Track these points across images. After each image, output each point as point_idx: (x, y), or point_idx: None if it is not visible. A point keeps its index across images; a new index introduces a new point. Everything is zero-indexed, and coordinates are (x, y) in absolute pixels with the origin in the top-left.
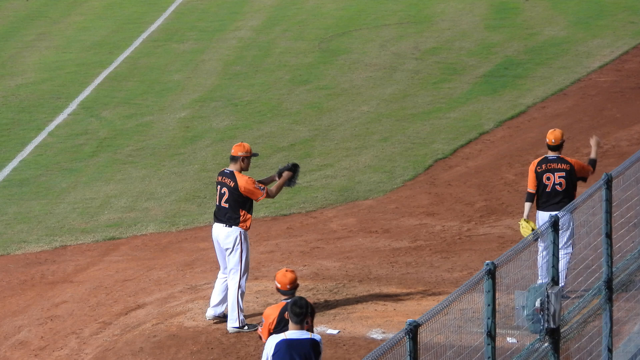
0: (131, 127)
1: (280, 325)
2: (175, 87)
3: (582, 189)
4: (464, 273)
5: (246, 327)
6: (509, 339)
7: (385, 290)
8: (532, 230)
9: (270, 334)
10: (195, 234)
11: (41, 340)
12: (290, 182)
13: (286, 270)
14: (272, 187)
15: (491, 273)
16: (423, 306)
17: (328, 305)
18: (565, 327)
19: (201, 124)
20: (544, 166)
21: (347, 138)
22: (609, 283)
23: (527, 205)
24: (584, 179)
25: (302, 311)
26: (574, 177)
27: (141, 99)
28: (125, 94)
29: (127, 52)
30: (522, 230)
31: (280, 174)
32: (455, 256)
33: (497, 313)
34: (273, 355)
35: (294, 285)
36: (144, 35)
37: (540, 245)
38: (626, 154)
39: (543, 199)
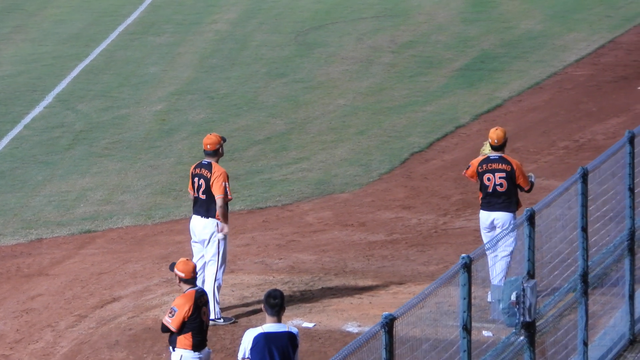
0: (107, 120)
1: (195, 314)
2: (151, 80)
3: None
4: (439, 266)
5: (221, 320)
6: (485, 333)
7: (361, 283)
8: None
9: (183, 322)
10: (171, 227)
11: (17, 333)
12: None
13: (186, 260)
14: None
15: (467, 266)
16: (399, 299)
17: (304, 299)
18: (541, 321)
19: (177, 117)
20: (484, 166)
21: (324, 131)
22: (584, 277)
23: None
24: (522, 189)
25: (277, 302)
26: (515, 179)
27: (117, 91)
28: (102, 87)
29: (103, 45)
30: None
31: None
32: (431, 249)
33: (472, 306)
34: (251, 349)
35: (195, 274)
36: (121, 28)
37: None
38: (602, 147)
39: (485, 199)
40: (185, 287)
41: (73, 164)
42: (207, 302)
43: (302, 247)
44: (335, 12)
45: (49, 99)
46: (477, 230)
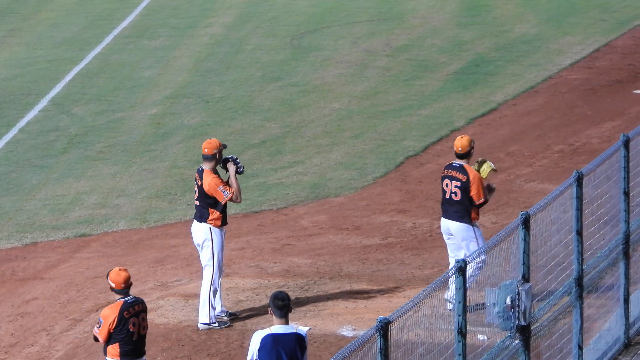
0: (102, 124)
1: (121, 325)
2: (146, 84)
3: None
4: (434, 270)
5: (216, 324)
6: (480, 336)
7: (356, 287)
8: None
9: (110, 334)
10: (166, 230)
11: (11, 337)
12: (237, 171)
13: (119, 269)
14: (232, 187)
15: (462, 270)
16: (394, 303)
17: (299, 303)
18: (536, 325)
19: (172, 120)
20: (446, 172)
21: (318, 135)
22: (579, 280)
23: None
24: (472, 202)
25: (284, 304)
26: (469, 190)
27: (112, 95)
28: (96, 91)
29: (98, 49)
30: (484, 171)
31: (224, 165)
32: (426, 253)
33: (467, 310)
34: (259, 350)
35: (127, 284)
36: (115, 32)
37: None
38: (597, 151)
39: (442, 205)
40: (116, 297)
41: (68, 168)
42: (139, 313)
43: (297, 250)
44: (330, 15)
45: (43, 102)
46: None
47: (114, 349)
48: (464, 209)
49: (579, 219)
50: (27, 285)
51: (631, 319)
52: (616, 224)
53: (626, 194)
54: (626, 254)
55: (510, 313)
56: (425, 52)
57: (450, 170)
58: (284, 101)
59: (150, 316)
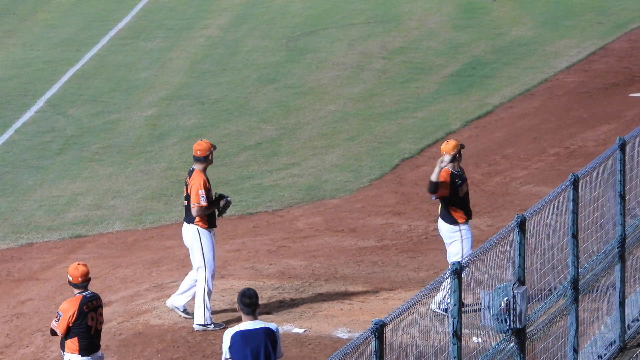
0: (98, 125)
1: (80, 319)
2: (142, 85)
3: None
4: (430, 272)
5: (212, 326)
6: (475, 339)
7: (352, 289)
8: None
9: (68, 327)
10: (161, 232)
11: (7, 337)
12: (221, 210)
13: (78, 264)
14: (207, 205)
15: (457, 273)
16: (389, 305)
17: (294, 304)
18: (531, 328)
19: (168, 122)
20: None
21: (314, 137)
22: (575, 283)
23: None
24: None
25: (252, 301)
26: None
27: (108, 96)
28: (93, 92)
29: (94, 50)
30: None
31: (217, 200)
32: (421, 255)
33: (463, 313)
34: (230, 347)
35: (86, 279)
36: (112, 33)
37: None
38: (593, 154)
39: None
40: (75, 291)
41: (64, 169)
42: (97, 307)
43: (292, 252)
44: (326, 18)
45: (39, 103)
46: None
47: (72, 343)
48: (443, 209)
49: (575, 222)
50: (22, 286)
51: (627, 322)
52: (612, 227)
53: (622, 197)
54: (622, 257)
55: (506, 316)
56: (421, 54)
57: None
58: (280, 103)
59: (145, 317)
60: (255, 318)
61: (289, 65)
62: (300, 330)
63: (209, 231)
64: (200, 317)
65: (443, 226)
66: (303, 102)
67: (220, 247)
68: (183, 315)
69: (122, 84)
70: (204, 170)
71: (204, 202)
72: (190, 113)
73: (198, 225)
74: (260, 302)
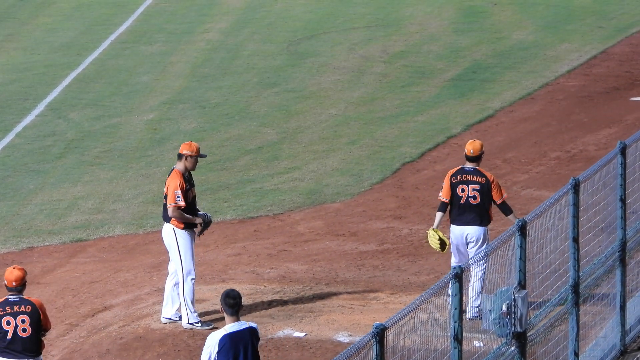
0: (99, 129)
1: None
2: (143, 89)
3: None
4: (430, 276)
5: (199, 324)
6: (476, 343)
7: (352, 293)
8: (440, 239)
9: None
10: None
11: None
12: (201, 230)
13: (14, 268)
14: (187, 215)
15: (458, 277)
16: (390, 309)
17: (295, 308)
18: (532, 331)
19: (169, 126)
20: (459, 177)
21: (315, 141)
22: (575, 287)
23: (439, 215)
24: (496, 203)
25: (235, 302)
26: (489, 192)
27: (109, 100)
28: (93, 96)
29: (95, 54)
30: (430, 240)
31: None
32: (422, 260)
33: (463, 317)
34: (218, 352)
35: (20, 283)
36: (112, 37)
37: (455, 262)
38: (594, 158)
39: (456, 211)
40: (8, 294)
41: (64, 173)
42: (18, 314)
43: (293, 256)
44: (327, 22)
45: (40, 107)
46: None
47: None
48: (483, 212)
49: (576, 226)
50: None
51: (627, 326)
52: (612, 231)
53: (623, 201)
54: (622, 261)
55: (507, 320)
56: (422, 58)
57: (464, 175)
58: (281, 107)
59: (146, 321)
60: (238, 319)
61: (289, 69)
62: (301, 334)
63: (187, 232)
64: (185, 317)
65: (478, 230)
66: (304, 106)
67: (221, 251)
68: (183, 324)
69: (123, 88)
70: (185, 173)
71: (180, 203)
72: (191, 117)
73: (174, 224)
74: (261, 306)
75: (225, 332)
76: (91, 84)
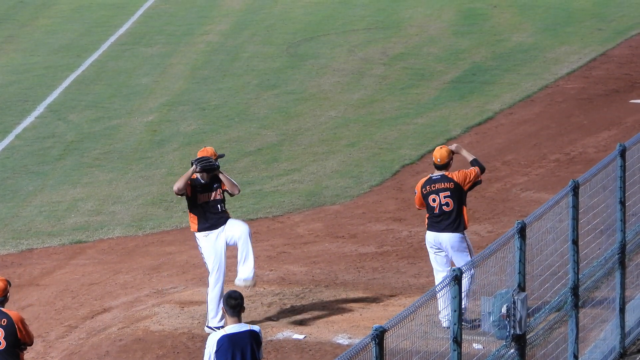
0: (98, 131)
1: None
2: (142, 91)
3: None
4: (430, 279)
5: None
6: (475, 345)
7: (352, 295)
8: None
9: None
10: (162, 237)
11: None
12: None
13: None
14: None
15: (457, 279)
16: (389, 312)
17: (294, 310)
18: (532, 334)
19: (168, 127)
20: (428, 187)
21: (315, 143)
22: (575, 290)
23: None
24: (478, 183)
25: (237, 302)
26: (462, 192)
27: (109, 102)
28: (93, 98)
29: (95, 56)
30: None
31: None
32: (421, 262)
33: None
34: (216, 352)
35: (2, 295)
36: (112, 39)
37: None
38: (593, 160)
39: (430, 220)
40: None
41: (64, 175)
42: None
43: (292, 258)
44: (327, 24)
45: (40, 109)
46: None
47: None
48: (458, 218)
49: (575, 228)
50: (22, 292)
51: (627, 329)
52: (612, 233)
53: (622, 203)
54: (622, 264)
55: (506, 322)
56: (421, 60)
57: (433, 185)
58: (280, 109)
59: (145, 323)
60: (240, 320)
61: (289, 71)
62: (301, 337)
63: (204, 233)
64: (208, 319)
65: (453, 237)
66: (303, 108)
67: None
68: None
69: (123, 90)
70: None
71: (174, 187)
72: (190, 119)
73: (193, 230)
74: (261, 308)
75: (225, 333)
76: (91, 85)
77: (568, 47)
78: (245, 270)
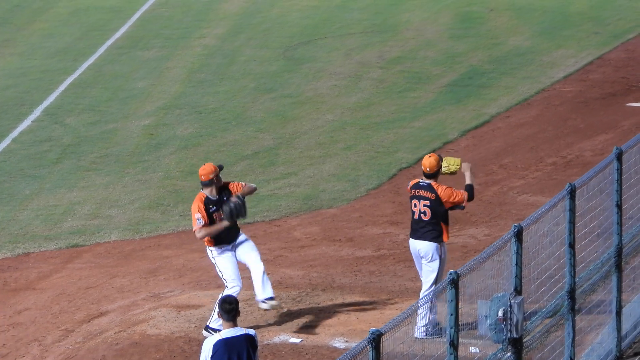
0: (95, 134)
1: None
2: (139, 95)
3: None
4: None
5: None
6: (472, 349)
7: (349, 299)
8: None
9: None
10: (158, 241)
11: (3, 347)
12: (230, 216)
13: None
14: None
15: (454, 282)
16: (386, 315)
17: (291, 314)
18: (528, 337)
19: (165, 131)
20: (414, 191)
21: (312, 146)
22: (571, 293)
23: None
24: (460, 207)
25: (232, 307)
26: (440, 207)
27: (105, 106)
28: (90, 101)
29: (91, 59)
30: (450, 165)
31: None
32: None
33: (459, 322)
34: (212, 356)
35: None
36: (109, 43)
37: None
38: (590, 164)
39: (411, 226)
40: None
41: (61, 178)
42: None
43: (289, 262)
44: (324, 27)
45: (37, 112)
46: (465, 247)
47: None
48: (435, 228)
49: (572, 231)
50: (19, 296)
51: (623, 332)
52: (609, 236)
53: (619, 206)
54: (618, 267)
55: (503, 325)
56: (418, 64)
57: (418, 190)
58: (277, 112)
59: (142, 327)
60: (235, 324)
61: (286, 74)
62: (297, 340)
63: (218, 247)
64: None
65: (429, 245)
66: (300, 111)
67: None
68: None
69: (119, 94)
70: (211, 193)
71: (199, 225)
72: (187, 122)
73: (207, 245)
74: (257, 311)
75: (220, 337)
76: (87, 89)
77: (565, 50)
78: (267, 292)
